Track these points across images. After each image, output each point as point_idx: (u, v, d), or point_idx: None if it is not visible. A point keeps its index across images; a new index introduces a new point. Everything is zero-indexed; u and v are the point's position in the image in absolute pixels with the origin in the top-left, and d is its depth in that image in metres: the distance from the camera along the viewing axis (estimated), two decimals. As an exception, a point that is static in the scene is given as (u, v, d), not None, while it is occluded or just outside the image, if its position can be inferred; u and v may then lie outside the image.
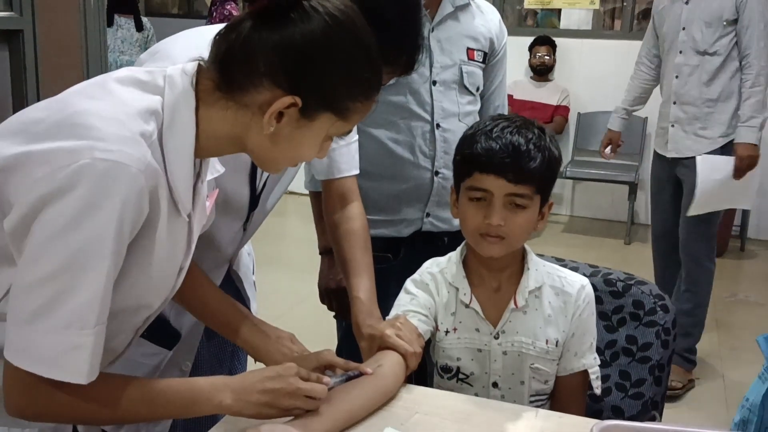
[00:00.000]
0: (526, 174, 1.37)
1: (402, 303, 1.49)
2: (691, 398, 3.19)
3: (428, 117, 1.93)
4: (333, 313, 2.04)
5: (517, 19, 6.36)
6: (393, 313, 1.48)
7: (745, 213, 5.22)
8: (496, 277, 1.47)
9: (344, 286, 1.60)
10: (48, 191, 0.93)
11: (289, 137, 1.07)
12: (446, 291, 1.48)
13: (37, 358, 0.97)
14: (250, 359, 1.50)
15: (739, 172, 3.07)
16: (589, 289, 1.49)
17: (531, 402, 1.47)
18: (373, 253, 1.61)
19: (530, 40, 5.65)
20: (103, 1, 3.01)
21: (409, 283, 1.52)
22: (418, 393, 1.38)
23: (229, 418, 1.21)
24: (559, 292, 1.46)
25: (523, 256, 1.48)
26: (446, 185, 1.92)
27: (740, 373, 3.30)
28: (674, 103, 3.20)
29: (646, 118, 5.23)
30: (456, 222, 1.90)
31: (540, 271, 1.47)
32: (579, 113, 5.66)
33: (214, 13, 5.50)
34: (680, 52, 3.15)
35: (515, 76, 5.61)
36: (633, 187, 5.37)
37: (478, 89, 2.01)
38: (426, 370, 1.55)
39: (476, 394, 1.46)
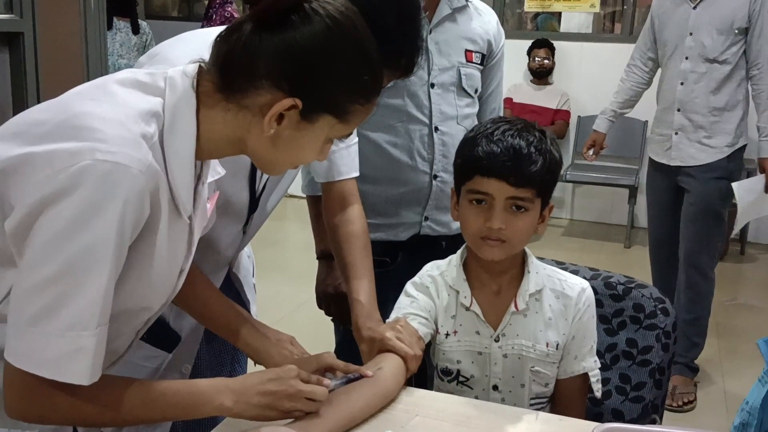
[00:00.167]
0: (527, 177, 1.36)
1: (402, 306, 1.49)
2: (691, 401, 3.19)
3: (426, 120, 1.91)
4: (331, 318, 2.03)
5: (517, 23, 6.37)
6: (393, 315, 1.48)
7: (745, 217, 5.22)
8: (496, 280, 1.47)
9: (342, 292, 1.59)
10: (49, 193, 0.93)
11: (289, 139, 1.07)
12: (446, 294, 1.48)
13: (39, 360, 0.96)
14: (250, 362, 1.49)
15: None
16: (590, 292, 1.48)
17: (531, 405, 1.47)
18: None
19: (530, 43, 5.65)
20: (103, 4, 3.00)
21: (409, 286, 1.51)
22: (418, 396, 1.37)
23: (229, 420, 1.21)
24: (559, 295, 1.46)
25: (523, 259, 1.48)
26: (445, 189, 1.91)
27: (740, 377, 3.30)
28: (678, 110, 3.12)
29: (647, 121, 5.22)
30: (454, 226, 1.90)
31: (540, 274, 1.47)
32: (579, 117, 5.65)
33: (214, 15, 5.49)
34: (686, 58, 3.07)
35: (515, 79, 5.61)
36: (633, 191, 5.36)
37: (476, 91, 1.99)
38: (426, 373, 1.55)
39: (476, 397, 1.46)
